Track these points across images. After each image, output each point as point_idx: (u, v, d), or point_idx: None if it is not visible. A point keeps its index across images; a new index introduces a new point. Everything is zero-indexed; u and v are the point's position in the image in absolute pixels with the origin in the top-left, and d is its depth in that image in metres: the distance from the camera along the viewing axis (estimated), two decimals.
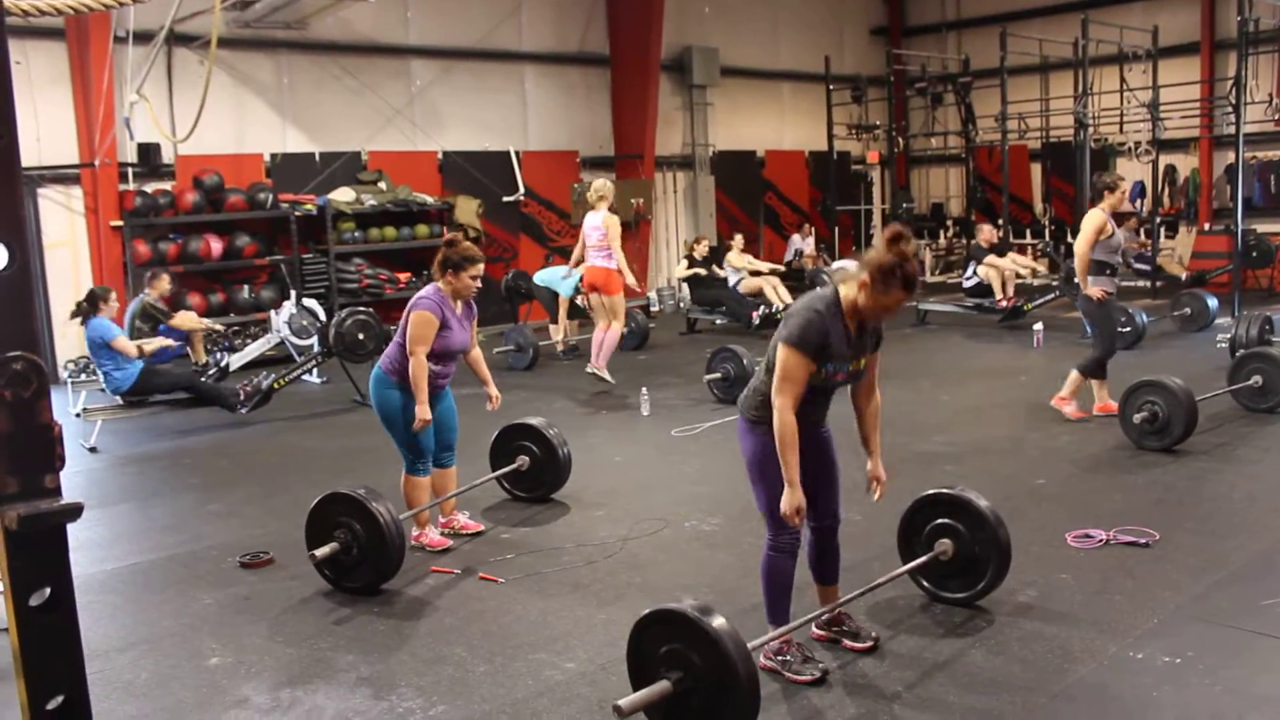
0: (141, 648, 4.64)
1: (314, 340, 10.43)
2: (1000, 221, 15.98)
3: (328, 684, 4.21)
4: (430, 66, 14.77)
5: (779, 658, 4.10)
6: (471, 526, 6.08)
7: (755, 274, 13.79)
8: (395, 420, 5.70)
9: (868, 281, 3.84)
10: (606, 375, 9.71)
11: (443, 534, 5.91)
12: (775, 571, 4.12)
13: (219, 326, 10.74)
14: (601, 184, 9.81)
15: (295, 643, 4.62)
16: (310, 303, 10.95)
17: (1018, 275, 13.86)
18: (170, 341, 10.03)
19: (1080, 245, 8.01)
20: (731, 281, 13.80)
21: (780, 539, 4.09)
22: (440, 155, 14.83)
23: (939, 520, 4.66)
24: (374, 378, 5.83)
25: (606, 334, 9.75)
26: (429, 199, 14.25)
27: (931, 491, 4.71)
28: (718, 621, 3.48)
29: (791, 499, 3.89)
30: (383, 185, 14.02)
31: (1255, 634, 4.32)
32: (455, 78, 15.01)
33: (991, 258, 13.45)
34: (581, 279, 10.55)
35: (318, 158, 13.72)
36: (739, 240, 14.25)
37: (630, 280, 9.74)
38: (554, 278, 12.17)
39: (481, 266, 5.75)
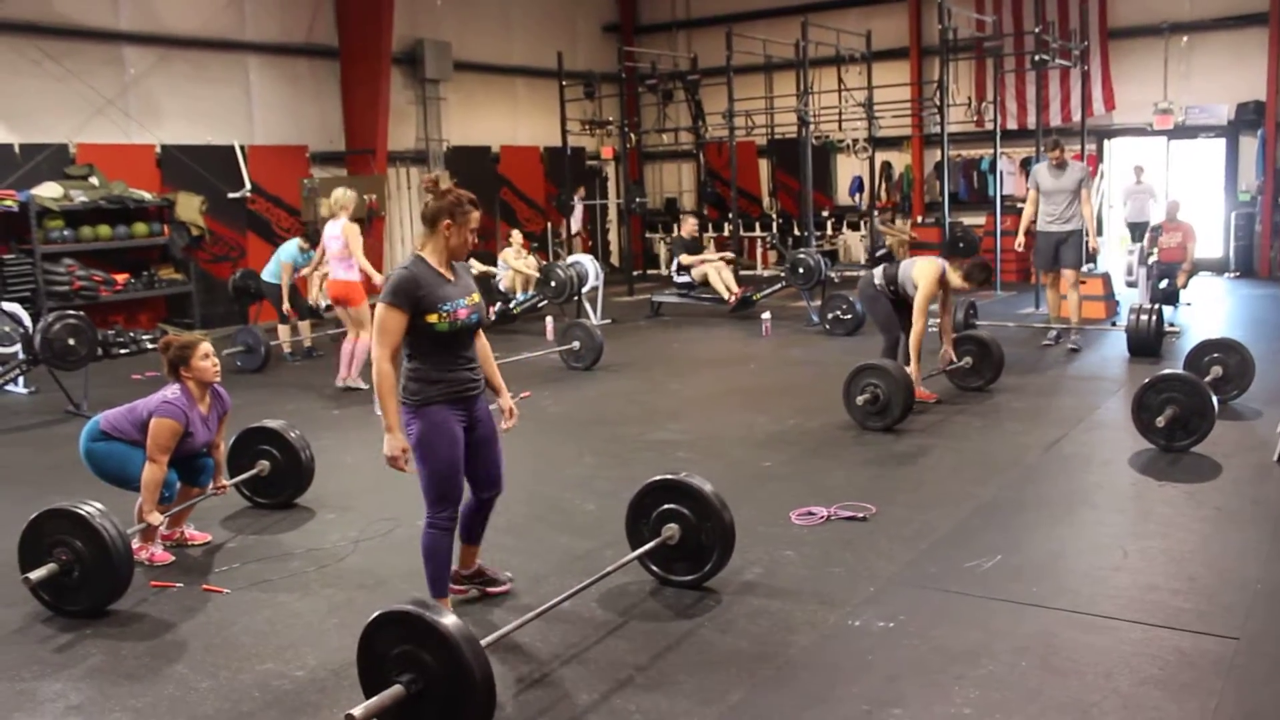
0: None
1: (17, 348, 9.68)
2: (731, 215, 16.56)
3: (31, 716, 3.91)
4: (145, 54, 13.93)
5: None
6: (198, 537, 5.79)
7: (519, 271, 13.77)
8: (120, 475, 5.45)
9: (448, 223, 4.20)
10: (360, 384, 9.64)
11: (166, 547, 5.61)
12: (435, 549, 4.37)
13: None
14: (341, 193, 9.62)
15: None
16: (11, 307, 10.15)
17: (728, 264, 14.24)
18: None
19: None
20: (498, 276, 13.81)
21: (438, 517, 4.32)
22: (158, 149, 14.00)
23: (666, 505, 4.76)
24: (88, 433, 5.49)
25: (355, 345, 9.70)
26: (147, 195, 13.41)
27: (658, 478, 4.82)
28: (449, 619, 3.43)
29: (389, 444, 4.17)
30: (95, 180, 13.12)
31: (958, 594, 4.64)
32: (173, 67, 14.21)
33: (684, 255, 13.89)
34: (325, 292, 10.48)
35: (18, 149, 12.69)
36: (517, 236, 14.21)
37: (377, 279, 9.62)
38: (290, 251, 11.68)
39: (207, 345, 5.49)
